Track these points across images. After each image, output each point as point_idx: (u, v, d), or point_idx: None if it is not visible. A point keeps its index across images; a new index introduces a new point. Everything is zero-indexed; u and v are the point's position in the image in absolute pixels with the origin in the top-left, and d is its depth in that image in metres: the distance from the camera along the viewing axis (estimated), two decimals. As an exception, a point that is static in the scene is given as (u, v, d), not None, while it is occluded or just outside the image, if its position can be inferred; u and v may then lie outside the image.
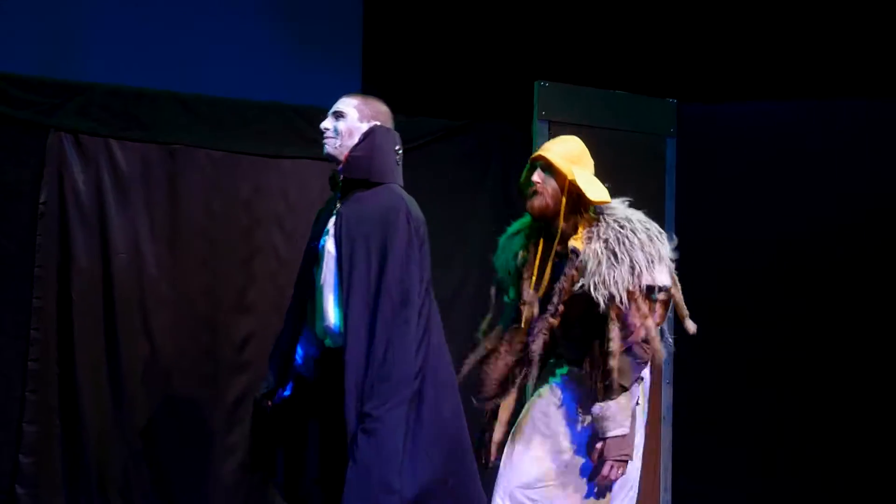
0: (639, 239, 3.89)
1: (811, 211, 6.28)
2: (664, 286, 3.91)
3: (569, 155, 4.02)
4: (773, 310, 6.30)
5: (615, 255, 3.82)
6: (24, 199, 5.01)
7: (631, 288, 3.81)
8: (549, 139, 5.70)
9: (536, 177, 3.95)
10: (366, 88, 6.18)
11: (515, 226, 4.13)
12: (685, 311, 4.08)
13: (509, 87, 6.17)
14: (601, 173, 5.81)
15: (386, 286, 3.57)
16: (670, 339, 4.05)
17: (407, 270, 3.60)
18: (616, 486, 3.88)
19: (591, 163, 4.14)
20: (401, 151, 3.80)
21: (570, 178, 3.91)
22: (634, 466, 3.94)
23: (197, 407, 5.27)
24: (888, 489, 6.07)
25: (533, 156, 4.06)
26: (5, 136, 4.99)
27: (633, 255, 3.84)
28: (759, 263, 6.34)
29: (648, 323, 3.83)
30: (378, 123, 3.80)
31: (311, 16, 6.27)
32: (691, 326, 4.06)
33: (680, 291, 4.05)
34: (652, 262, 3.86)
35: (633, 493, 4.00)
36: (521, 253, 4.02)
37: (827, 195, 6.26)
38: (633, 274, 3.82)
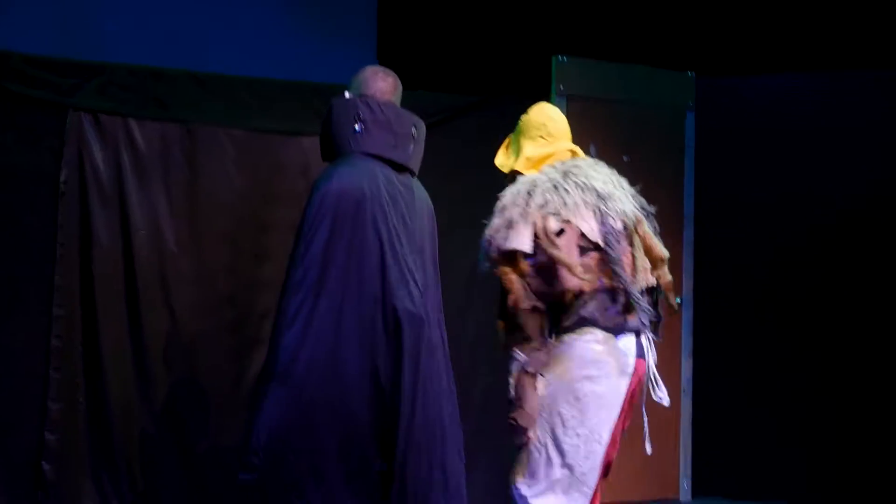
0: (503, 203, 3.94)
1: (832, 183, 6.25)
2: (519, 250, 3.82)
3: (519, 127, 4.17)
4: (789, 282, 6.29)
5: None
6: (44, 178, 5.04)
7: (492, 254, 3.88)
8: (567, 113, 5.73)
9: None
10: (381, 64, 6.19)
11: None
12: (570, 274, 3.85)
13: (527, 62, 6.16)
14: (620, 147, 5.84)
15: (289, 263, 3.60)
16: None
17: (301, 247, 3.57)
18: (536, 455, 3.82)
19: (537, 131, 4.14)
20: (365, 117, 3.67)
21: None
22: (549, 437, 3.82)
23: (220, 381, 5.30)
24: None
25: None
26: (25, 117, 5.01)
27: (492, 219, 3.92)
28: (780, 237, 6.32)
29: (513, 289, 3.79)
30: (346, 96, 3.77)
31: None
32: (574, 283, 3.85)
33: (564, 252, 3.83)
34: (507, 226, 3.86)
35: (575, 471, 3.83)
36: None
37: (845, 169, 6.23)
38: (488, 239, 3.90)
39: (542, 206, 3.85)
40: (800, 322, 6.25)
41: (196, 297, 5.29)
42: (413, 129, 3.74)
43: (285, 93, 5.54)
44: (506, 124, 6.05)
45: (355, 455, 3.51)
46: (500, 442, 4.60)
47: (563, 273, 3.78)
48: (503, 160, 4.17)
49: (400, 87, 3.87)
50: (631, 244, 3.96)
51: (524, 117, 4.20)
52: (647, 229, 4.02)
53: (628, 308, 3.88)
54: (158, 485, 5.18)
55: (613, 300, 3.86)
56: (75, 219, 5.08)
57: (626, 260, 3.90)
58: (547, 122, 4.16)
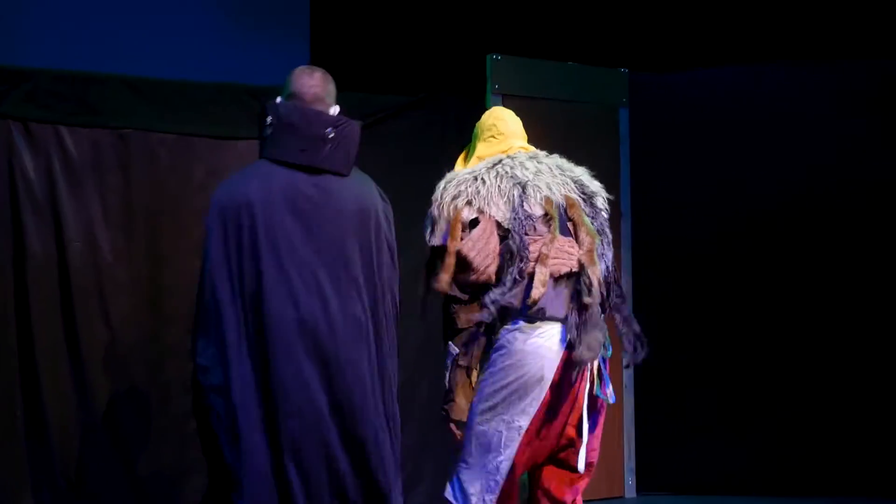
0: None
1: (767, 175, 6.34)
2: (434, 245, 3.92)
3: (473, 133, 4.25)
4: (728, 275, 6.36)
5: None
6: (-27, 189, 4.94)
7: (427, 253, 3.99)
8: (502, 112, 5.74)
9: None
10: (314, 64, 6.15)
11: None
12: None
13: (462, 61, 6.16)
14: (556, 145, 5.85)
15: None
16: (513, 288, 3.84)
17: (203, 256, 3.62)
18: (470, 445, 3.85)
19: (488, 132, 4.19)
20: (273, 121, 3.63)
21: None
22: (474, 432, 3.84)
23: (157, 392, 5.25)
24: (849, 448, 6.17)
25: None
26: (-49, 126, 4.91)
27: None
28: (716, 230, 6.39)
29: (439, 280, 3.85)
30: (277, 100, 3.72)
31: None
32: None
33: (454, 255, 3.86)
34: (430, 223, 3.96)
35: (493, 460, 3.83)
36: None
37: (779, 160, 6.33)
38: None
39: (455, 198, 3.90)
40: (738, 315, 6.33)
41: (132, 306, 5.23)
42: (328, 131, 3.66)
43: (219, 95, 5.49)
44: (442, 122, 6.11)
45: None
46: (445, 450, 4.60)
47: (470, 263, 3.82)
48: (461, 166, 4.18)
49: (329, 82, 3.77)
50: (553, 230, 3.88)
51: (477, 123, 4.24)
52: (580, 213, 3.94)
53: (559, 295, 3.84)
54: (99, 495, 5.11)
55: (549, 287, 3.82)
56: (7, 229, 5.00)
57: (536, 246, 3.84)
58: (497, 122, 4.19)
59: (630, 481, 6.11)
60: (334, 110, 3.74)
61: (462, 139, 6.00)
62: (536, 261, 3.80)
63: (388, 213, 3.81)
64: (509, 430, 3.78)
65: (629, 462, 6.12)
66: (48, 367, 5.04)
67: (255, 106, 5.44)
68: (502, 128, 4.17)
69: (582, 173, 4.09)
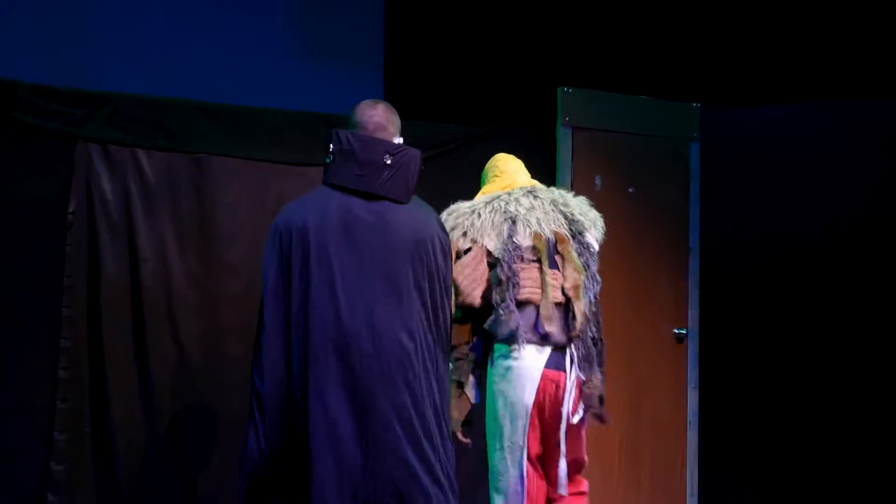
0: None
1: (839, 212, 6.26)
2: None
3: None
4: (802, 312, 6.28)
5: None
6: (53, 209, 5.04)
7: None
8: (572, 144, 5.76)
9: None
10: (388, 96, 6.21)
11: None
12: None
13: (532, 93, 6.18)
14: (625, 178, 5.86)
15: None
16: (501, 313, 4.19)
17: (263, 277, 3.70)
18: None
19: (491, 172, 4.65)
20: (334, 149, 3.73)
21: None
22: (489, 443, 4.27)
23: (225, 414, 5.27)
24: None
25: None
26: (34, 147, 5.02)
27: None
28: (784, 266, 6.33)
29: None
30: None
31: (333, 23, 6.30)
32: None
33: (459, 268, 4.27)
34: None
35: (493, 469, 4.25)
36: None
37: (850, 197, 6.25)
38: None
39: (452, 230, 4.28)
40: (808, 350, 6.24)
41: (203, 328, 5.28)
42: (386, 157, 3.72)
43: (292, 123, 5.55)
44: (511, 154, 6.12)
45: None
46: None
47: (457, 287, 4.20)
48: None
49: (392, 113, 3.85)
50: (542, 262, 4.26)
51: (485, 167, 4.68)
52: (570, 249, 4.30)
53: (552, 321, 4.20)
54: (164, 515, 5.16)
55: (536, 313, 4.19)
56: (83, 249, 5.08)
57: (530, 275, 4.22)
58: (497, 163, 4.64)
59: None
60: (397, 140, 3.80)
61: (531, 170, 6.08)
62: (541, 288, 4.18)
63: (444, 244, 3.82)
64: (513, 451, 4.17)
65: (692, 498, 6.05)
66: (118, 385, 5.10)
67: (324, 134, 5.49)
68: (503, 167, 4.60)
69: (577, 206, 4.44)
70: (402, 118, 3.89)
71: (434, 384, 3.70)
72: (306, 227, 3.64)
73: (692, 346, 6.06)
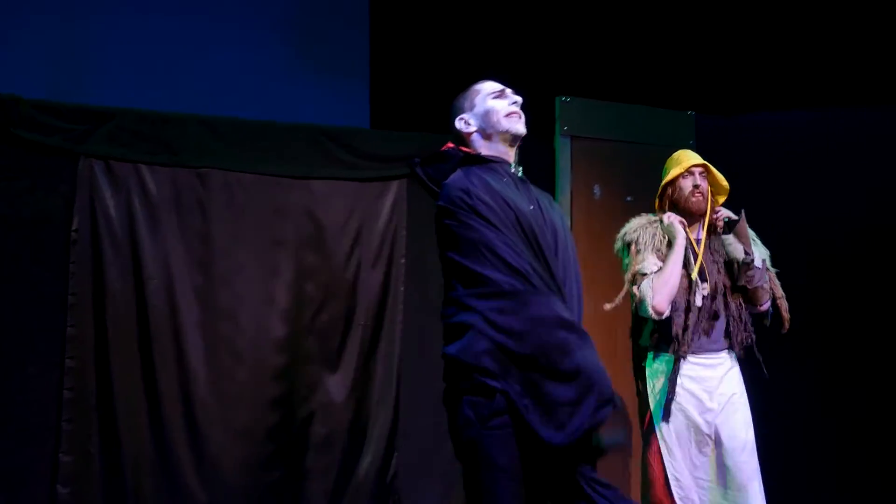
0: None
1: (833, 218, 6.29)
2: None
3: None
4: (793, 318, 6.29)
5: None
6: (56, 226, 5.01)
7: None
8: (571, 153, 5.79)
9: (703, 182, 4.83)
10: (374, 107, 6.24)
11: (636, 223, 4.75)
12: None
13: (530, 103, 6.20)
14: (623, 186, 5.89)
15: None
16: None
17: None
18: None
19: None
20: None
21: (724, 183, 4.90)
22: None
23: (233, 431, 5.24)
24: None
25: (696, 163, 4.85)
26: (37, 164, 4.98)
27: None
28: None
29: None
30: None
31: (320, 36, 6.30)
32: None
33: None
34: None
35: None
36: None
37: (846, 203, 6.28)
38: None
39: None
40: (807, 355, 6.26)
41: (207, 344, 5.23)
42: None
43: (295, 135, 5.52)
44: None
45: None
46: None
47: None
48: None
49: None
50: None
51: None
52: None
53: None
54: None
55: None
56: (88, 267, 5.04)
57: None
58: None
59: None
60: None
61: (530, 178, 6.11)
62: None
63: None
64: None
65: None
66: (124, 405, 5.05)
67: (329, 146, 5.52)
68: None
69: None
70: (408, 129, 3.92)
71: None
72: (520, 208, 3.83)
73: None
